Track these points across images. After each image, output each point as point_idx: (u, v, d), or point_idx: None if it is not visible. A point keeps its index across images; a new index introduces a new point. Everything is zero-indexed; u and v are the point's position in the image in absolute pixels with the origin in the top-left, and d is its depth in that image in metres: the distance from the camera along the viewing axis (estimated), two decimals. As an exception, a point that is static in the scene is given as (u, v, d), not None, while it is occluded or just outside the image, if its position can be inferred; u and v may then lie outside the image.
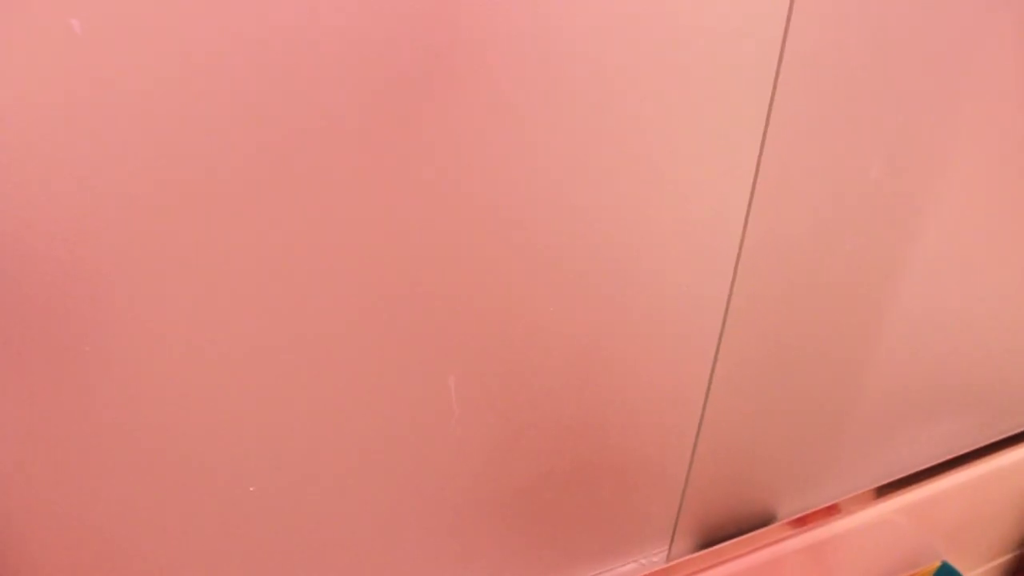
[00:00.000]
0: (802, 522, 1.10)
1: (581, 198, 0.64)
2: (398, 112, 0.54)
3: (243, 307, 0.57)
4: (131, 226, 0.51)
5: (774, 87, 0.67)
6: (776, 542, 1.09)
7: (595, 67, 0.58)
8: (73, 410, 0.56)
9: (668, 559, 1.01)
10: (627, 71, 0.60)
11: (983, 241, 0.93)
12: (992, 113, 0.80)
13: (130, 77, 0.46)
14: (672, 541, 0.99)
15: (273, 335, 0.59)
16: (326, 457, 0.68)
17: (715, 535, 1.04)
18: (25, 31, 0.43)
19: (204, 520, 0.66)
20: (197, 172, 0.51)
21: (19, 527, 0.59)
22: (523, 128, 0.59)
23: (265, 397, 0.62)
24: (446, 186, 0.58)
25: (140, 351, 0.55)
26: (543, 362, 0.73)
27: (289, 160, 0.52)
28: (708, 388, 0.85)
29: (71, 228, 0.49)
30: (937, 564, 1.36)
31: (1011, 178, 0.88)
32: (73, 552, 0.62)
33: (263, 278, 0.56)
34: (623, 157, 0.64)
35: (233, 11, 0.47)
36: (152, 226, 0.51)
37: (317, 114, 0.52)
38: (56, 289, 0.51)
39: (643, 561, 0.99)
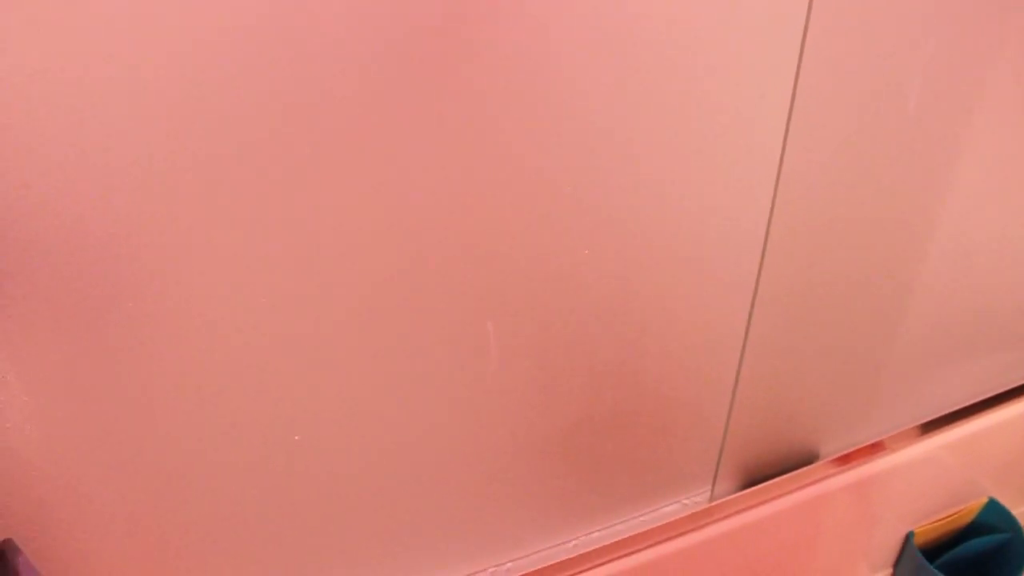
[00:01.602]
0: (846, 460, 1.10)
1: (615, 141, 0.64)
2: (434, 61, 0.53)
3: (290, 262, 0.58)
4: (183, 196, 0.52)
5: (807, 18, 0.65)
6: (820, 480, 1.09)
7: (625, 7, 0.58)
8: (121, 366, 0.57)
9: (711, 499, 1.01)
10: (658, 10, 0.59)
11: (1022, 173, 0.91)
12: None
13: (152, 60, 0.47)
14: (715, 481, 1.00)
15: (317, 288, 0.60)
16: (368, 406, 0.69)
17: (758, 475, 1.04)
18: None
19: (253, 470, 0.68)
20: (236, 141, 0.51)
21: (71, 481, 0.62)
22: (555, 72, 0.58)
23: (311, 349, 0.63)
24: (481, 137, 0.58)
25: (193, 309, 0.57)
26: (579, 305, 0.73)
27: (326, 122, 0.53)
28: (747, 326, 0.84)
29: (124, 206, 0.50)
30: (984, 500, 1.35)
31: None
32: (123, 501, 0.65)
33: (310, 232, 0.57)
34: (656, 98, 0.63)
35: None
36: (206, 191, 0.52)
37: (352, 73, 0.52)
38: (117, 257, 0.52)
39: (686, 501, 0.99)
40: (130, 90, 0.48)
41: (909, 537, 1.30)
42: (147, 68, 0.47)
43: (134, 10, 0.45)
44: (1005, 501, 1.35)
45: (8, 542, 0.59)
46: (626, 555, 0.98)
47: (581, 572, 0.96)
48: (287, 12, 0.49)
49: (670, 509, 0.99)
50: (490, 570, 0.91)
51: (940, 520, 1.32)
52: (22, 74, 0.45)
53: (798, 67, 0.68)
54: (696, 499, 1.00)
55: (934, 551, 1.35)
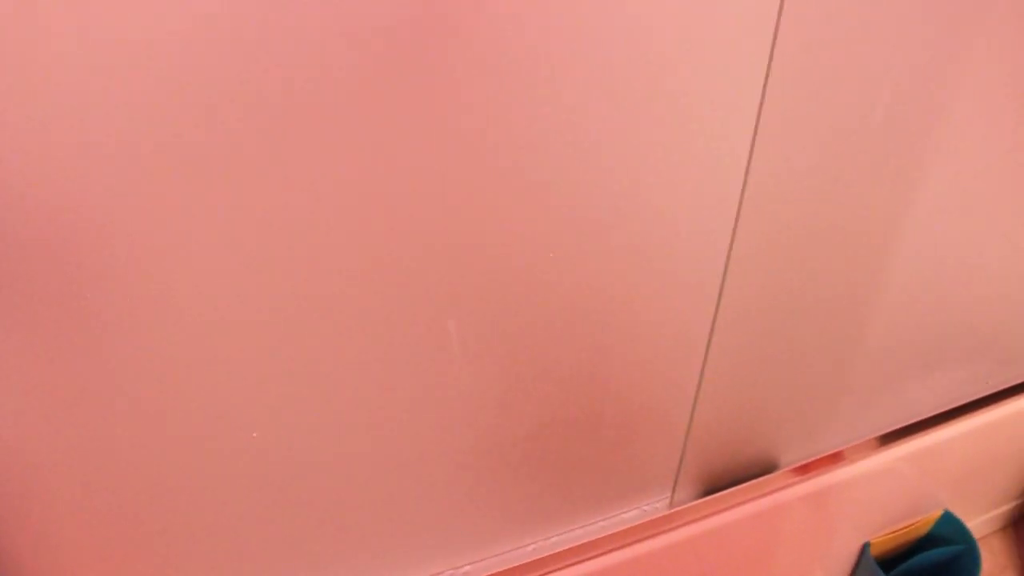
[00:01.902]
0: (805, 469, 1.11)
1: (582, 142, 0.64)
2: (397, 61, 0.53)
3: (247, 259, 0.57)
4: (153, 186, 0.51)
5: (776, 28, 0.66)
6: (779, 489, 1.10)
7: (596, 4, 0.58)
8: (89, 362, 0.57)
9: (670, 506, 1.02)
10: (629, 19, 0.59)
11: (988, 188, 0.92)
12: (998, 56, 0.79)
13: (138, 46, 0.46)
14: (674, 488, 1.00)
15: (277, 285, 0.60)
16: (328, 405, 0.69)
17: (718, 483, 1.04)
18: None
19: (211, 468, 0.67)
20: (210, 131, 0.50)
21: (39, 477, 0.61)
22: (519, 68, 0.58)
23: (269, 348, 0.63)
24: (448, 138, 0.58)
25: (153, 304, 0.56)
26: (544, 308, 0.73)
27: (291, 114, 0.52)
28: (710, 335, 0.85)
29: (95, 194, 0.49)
30: (939, 513, 1.37)
31: (1016, 124, 0.87)
32: (86, 498, 0.64)
33: (267, 229, 0.57)
34: (624, 99, 0.63)
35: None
36: (171, 184, 0.51)
37: (324, 66, 0.51)
38: (77, 250, 0.51)
39: (646, 508, 1.00)
40: (113, 84, 0.47)
41: (865, 548, 1.32)
42: (134, 63, 0.47)
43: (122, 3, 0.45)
44: (960, 513, 1.37)
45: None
46: (585, 560, 0.98)
47: (539, 576, 0.97)
48: (273, 10, 0.48)
49: (630, 515, 0.99)
50: (447, 572, 0.91)
51: (896, 531, 1.34)
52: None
53: (766, 77, 0.68)
54: (656, 505, 1.00)
55: (890, 562, 1.37)
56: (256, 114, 0.52)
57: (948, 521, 1.37)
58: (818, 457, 1.12)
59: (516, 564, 0.94)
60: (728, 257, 0.79)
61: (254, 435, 0.67)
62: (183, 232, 0.54)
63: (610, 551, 0.99)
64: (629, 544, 1.00)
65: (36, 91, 0.46)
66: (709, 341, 0.86)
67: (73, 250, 0.52)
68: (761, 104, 0.69)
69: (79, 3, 0.44)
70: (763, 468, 1.08)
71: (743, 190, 0.74)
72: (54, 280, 0.52)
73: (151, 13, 0.46)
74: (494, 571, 0.93)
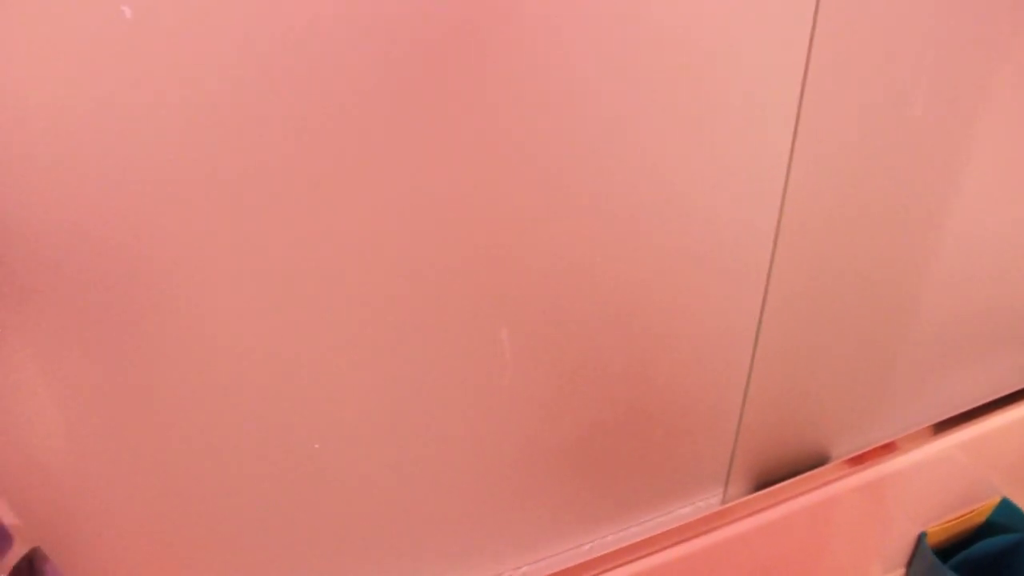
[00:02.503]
0: (859, 460, 1.10)
1: (625, 145, 0.64)
2: (441, 74, 0.54)
3: (307, 272, 0.59)
4: (194, 200, 0.53)
5: (814, 19, 0.66)
6: (832, 481, 1.09)
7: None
8: (145, 377, 0.59)
9: (723, 501, 1.02)
10: (669, 17, 0.60)
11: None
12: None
13: (178, 63, 0.48)
14: (727, 483, 1.00)
15: (334, 298, 0.61)
16: (384, 413, 0.70)
17: (770, 476, 1.04)
18: (78, 17, 0.45)
19: (274, 476, 0.69)
20: (257, 151, 0.52)
21: (96, 490, 0.63)
22: (569, 80, 0.59)
23: (331, 361, 0.64)
24: (495, 147, 0.59)
25: (216, 320, 0.58)
26: (592, 311, 0.73)
27: (339, 128, 0.54)
28: (758, 329, 0.85)
29: (124, 213, 0.51)
30: (997, 500, 1.35)
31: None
32: (146, 509, 0.66)
33: (326, 242, 0.58)
34: (666, 104, 0.64)
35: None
36: (228, 202, 0.53)
37: (364, 78, 0.53)
38: (125, 269, 0.53)
39: (699, 504, 1.00)
40: (148, 103, 0.49)
41: (922, 537, 1.30)
42: (164, 81, 0.48)
43: (150, 18, 0.47)
44: (1018, 501, 1.35)
45: (36, 550, 0.60)
46: (640, 558, 0.99)
47: (595, 575, 0.97)
48: (299, 23, 0.50)
49: (683, 512, 0.99)
50: (506, 573, 0.92)
51: (953, 520, 1.32)
52: (35, 85, 0.46)
53: (805, 69, 0.68)
54: (709, 501, 1.01)
55: (947, 551, 1.35)
56: (303, 127, 0.53)
57: (1006, 508, 1.34)
58: (871, 448, 1.11)
59: (573, 564, 0.94)
60: (774, 248, 0.79)
61: (316, 446, 0.69)
62: (246, 256, 0.56)
63: (665, 548, 0.99)
64: (684, 541, 1.00)
65: (88, 134, 0.48)
66: (757, 334, 0.86)
67: (138, 274, 0.54)
68: (802, 94, 0.70)
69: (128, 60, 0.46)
70: (816, 460, 1.07)
71: (786, 180, 0.74)
72: (121, 301, 0.55)
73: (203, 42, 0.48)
74: (551, 571, 0.94)
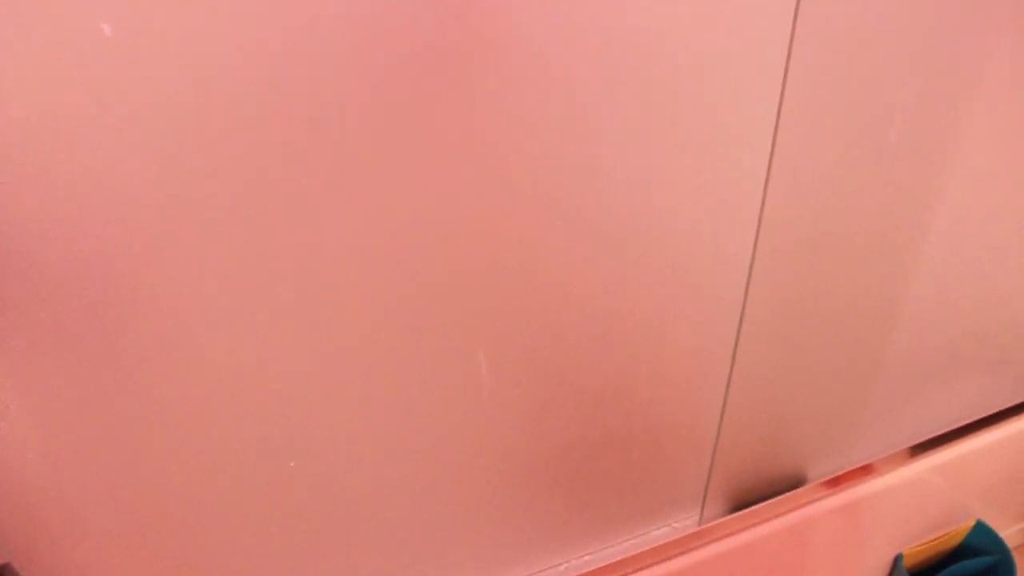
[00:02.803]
0: (835, 483, 1.11)
1: (606, 169, 0.65)
2: (421, 94, 0.55)
3: (279, 292, 0.59)
4: (172, 214, 0.53)
5: (789, 48, 0.67)
6: (809, 503, 1.09)
7: (613, 20, 0.59)
8: (123, 392, 0.58)
9: (700, 523, 1.02)
10: (648, 38, 0.60)
11: (1009, 198, 0.92)
12: (1014, 67, 0.79)
13: (160, 78, 0.48)
14: (704, 504, 1.01)
15: (310, 319, 0.61)
16: (363, 433, 0.70)
17: (747, 498, 1.05)
18: (56, 33, 0.45)
19: (249, 495, 0.69)
20: (233, 164, 0.52)
21: (70, 506, 0.62)
22: (547, 101, 0.59)
23: (304, 378, 0.64)
24: (469, 165, 0.59)
25: (180, 336, 0.58)
26: (569, 333, 0.74)
27: (316, 149, 0.54)
28: (734, 351, 0.85)
29: (105, 226, 0.51)
30: (972, 523, 1.36)
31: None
32: (119, 524, 0.65)
33: (294, 260, 0.58)
34: (642, 126, 0.64)
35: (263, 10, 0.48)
36: (196, 212, 0.53)
37: (342, 103, 0.53)
38: (103, 282, 0.53)
39: (675, 525, 1.00)
40: (126, 116, 0.49)
41: (898, 559, 1.31)
42: (142, 95, 0.49)
43: (129, 36, 0.47)
44: (993, 523, 1.36)
45: (7, 567, 0.60)
46: (616, 578, 0.99)
47: (572, 595, 0.97)
48: (272, 41, 0.50)
49: (660, 532, 0.99)
50: (481, 593, 0.92)
51: (929, 542, 1.33)
52: (25, 85, 0.46)
53: (781, 95, 0.69)
54: (685, 522, 1.01)
55: (923, 573, 1.36)
56: (284, 153, 0.54)
57: (981, 531, 1.35)
58: (848, 470, 1.12)
59: (548, 583, 0.94)
60: (750, 272, 0.80)
61: (291, 464, 0.69)
62: (224, 269, 0.56)
63: (641, 569, 0.99)
64: (660, 561, 1.00)
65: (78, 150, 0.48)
66: (733, 357, 0.86)
67: (114, 285, 0.54)
68: (778, 121, 0.70)
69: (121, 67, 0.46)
70: (792, 482, 1.08)
71: (762, 206, 0.75)
72: (95, 314, 0.54)
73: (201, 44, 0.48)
74: (527, 591, 0.94)
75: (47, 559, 0.64)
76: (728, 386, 0.89)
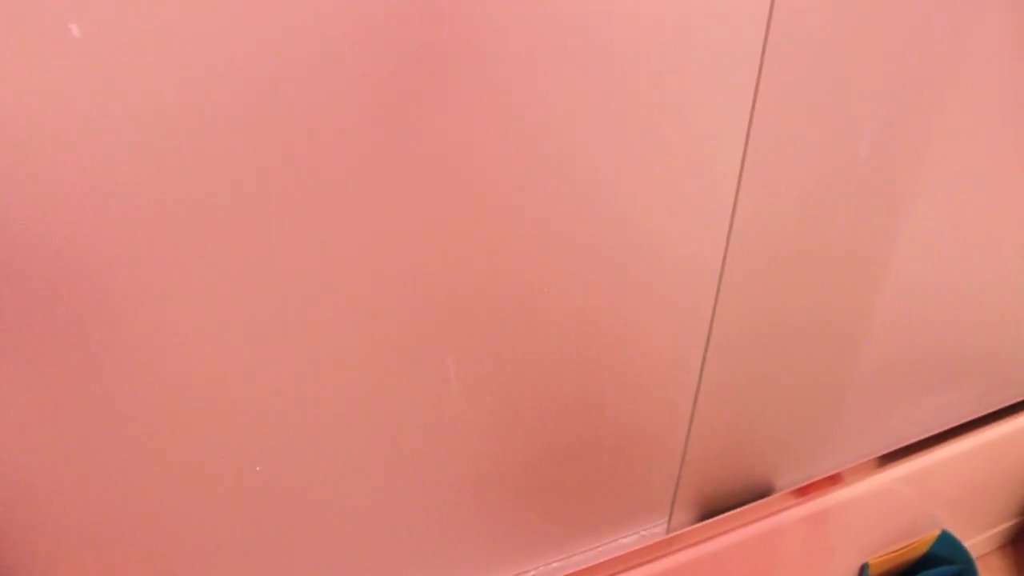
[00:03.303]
0: (804, 492, 1.12)
1: (574, 177, 0.65)
2: (393, 101, 0.55)
3: (247, 297, 0.59)
4: (140, 217, 0.52)
5: (761, 60, 0.67)
6: (777, 512, 1.10)
7: (586, 33, 0.59)
8: (85, 395, 0.58)
9: (668, 531, 1.03)
10: (619, 53, 0.61)
11: (978, 213, 0.93)
12: (984, 83, 0.81)
13: (131, 78, 0.48)
14: (672, 513, 1.01)
15: (276, 322, 0.61)
16: (328, 439, 0.70)
17: (715, 506, 1.05)
18: (25, 35, 0.45)
19: (214, 501, 0.68)
20: (204, 164, 0.52)
21: (32, 511, 0.62)
22: (521, 111, 0.60)
23: (274, 384, 0.64)
24: (439, 172, 0.60)
25: (150, 338, 0.57)
26: (539, 341, 0.74)
27: (285, 152, 0.54)
28: (703, 361, 0.86)
29: (79, 226, 0.51)
30: (937, 533, 1.37)
31: (1003, 149, 0.88)
32: (83, 530, 0.65)
33: (265, 266, 0.58)
34: (612, 139, 0.65)
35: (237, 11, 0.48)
36: (161, 215, 0.53)
37: (316, 107, 0.53)
38: (69, 284, 0.52)
39: (643, 533, 1.01)
40: (96, 115, 0.49)
41: (864, 568, 1.32)
42: (112, 95, 0.48)
43: (98, 36, 0.47)
44: (958, 533, 1.38)
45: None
46: (584, 585, 0.99)
47: (539, 602, 0.97)
48: (245, 41, 0.50)
49: (628, 540, 1.00)
50: (449, 599, 0.92)
51: (894, 552, 1.35)
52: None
53: (752, 107, 0.70)
54: (654, 530, 1.01)
55: (888, 582, 1.38)
56: (258, 153, 0.53)
57: (946, 541, 1.37)
58: (816, 479, 1.13)
59: (516, 590, 0.95)
60: (719, 283, 0.80)
61: (257, 469, 0.68)
62: (191, 265, 0.56)
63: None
64: (628, 569, 1.00)
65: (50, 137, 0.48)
66: (702, 366, 0.87)
67: (84, 282, 0.53)
68: (748, 133, 0.71)
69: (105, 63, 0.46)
70: (761, 491, 1.08)
71: (732, 217, 0.76)
72: (64, 314, 0.54)
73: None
74: (494, 597, 0.94)
75: (7, 559, 0.63)
76: (697, 395, 0.89)
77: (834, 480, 1.15)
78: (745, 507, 1.06)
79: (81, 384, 0.57)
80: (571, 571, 0.96)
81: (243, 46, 0.49)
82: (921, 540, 1.37)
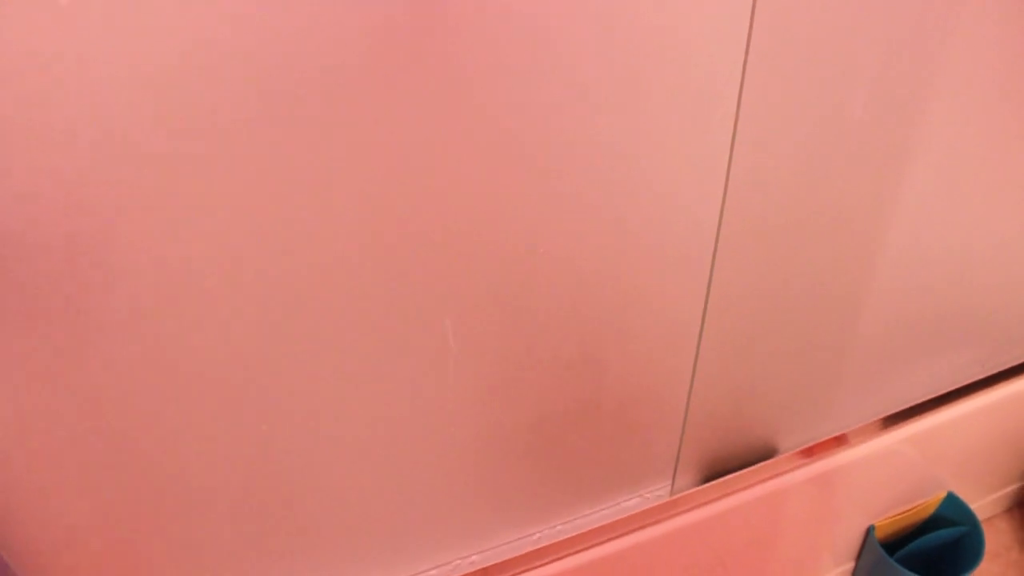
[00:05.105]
0: (808, 453, 1.12)
1: (571, 139, 0.65)
2: (393, 65, 0.54)
3: (247, 255, 0.59)
4: (156, 187, 0.52)
5: (751, 21, 0.67)
6: (782, 474, 1.11)
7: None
8: (89, 356, 0.58)
9: (672, 493, 1.03)
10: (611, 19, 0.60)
11: (977, 173, 0.93)
12: (979, 43, 0.80)
13: (117, 48, 0.48)
14: (675, 475, 1.02)
15: (277, 289, 0.61)
16: (330, 402, 0.70)
17: (720, 468, 1.06)
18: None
19: (219, 461, 0.69)
20: (200, 119, 0.52)
21: (40, 478, 0.62)
22: (512, 59, 0.59)
23: (273, 347, 0.64)
24: (434, 131, 0.59)
25: (161, 308, 0.58)
26: (537, 302, 0.74)
27: (278, 119, 0.54)
28: (703, 320, 0.86)
29: (74, 177, 0.51)
30: (943, 495, 1.38)
31: (1002, 108, 0.87)
32: (87, 498, 0.66)
33: (264, 222, 0.58)
34: (609, 101, 0.64)
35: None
36: (175, 185, 0.53)
37: (317, 55, 0.53)
38: (83, 256, 0.53)
39: (647, 495, 1.01)
40: (84, 88, 0.48)
41: (870, 530, 1.33)
42: (100, 65, 0.48)
43: (84, 4, 0.46)
44: (964, 495, 1.38)
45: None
46: (589, 547, 1.00)
47: (545, 564, 0.98)
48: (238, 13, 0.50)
49: (632, 503, 1.00)
50: (455, 562, 0.93)
51: (900, 514, 1.35)
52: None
53: (743, 69, 0.69)
54: (657, 493, 1.02)
55: (894, 544, 1.38)
56: (258, 112, 0.53)
57: (952, 503, 1.37)
58: (821, 440, 1.13)
59: (522, 552, 0.95)
60: (716, 243, 0.80)
61: (263, 428, 0.69)
62: (189, 234, 0.56)
63: (613, 538, 1.00)
64: (632, 531, 1.01)
65: (44, 99, 0.48)
66: (702, 326, 0.87)
67: (87, 251, 0.54)
68: (740, 95, 0.71)
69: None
70: (764, 453, 1.09)
71: (727, 178, 0.75)
72: (62, 280, 0.54)
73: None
74: (501, 559, 0.94)
75: (19, 539, 0.64)
76: (697, 356, 0.89)
77: (839, 441, 1.15)
78: (749, 469, 1.06)
79: (78, 375, 0.58)
80: (575, 533, 0.97)
81: (228, 14, 0.49)
82: (927, 502, 1.37)
